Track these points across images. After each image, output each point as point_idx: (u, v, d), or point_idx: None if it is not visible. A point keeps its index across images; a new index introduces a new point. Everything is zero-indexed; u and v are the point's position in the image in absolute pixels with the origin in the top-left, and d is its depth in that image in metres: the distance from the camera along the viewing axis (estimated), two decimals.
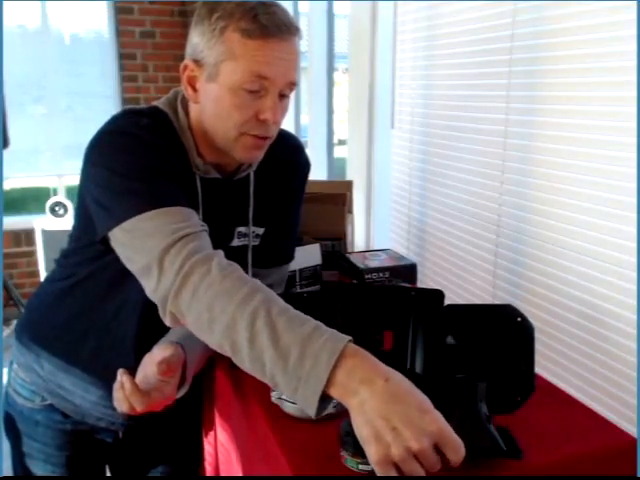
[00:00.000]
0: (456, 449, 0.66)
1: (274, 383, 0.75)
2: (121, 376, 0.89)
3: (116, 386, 0.90)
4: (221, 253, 0.86)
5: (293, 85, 0.95)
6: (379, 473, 0.65)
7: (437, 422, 0.66)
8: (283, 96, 0.95)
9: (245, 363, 0.77)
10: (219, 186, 1.05)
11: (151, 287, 0.85)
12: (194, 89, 0.96)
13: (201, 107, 0.97)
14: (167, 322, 0.85)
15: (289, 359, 0.72)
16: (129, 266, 0.89)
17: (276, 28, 0.89)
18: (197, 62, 0.94)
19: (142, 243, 0.86)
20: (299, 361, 0.71)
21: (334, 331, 0.74)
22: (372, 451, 0.65)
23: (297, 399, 0.73)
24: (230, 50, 0.90)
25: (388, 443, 0.64)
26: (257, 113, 0.93)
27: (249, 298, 0.77)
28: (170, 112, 1.01)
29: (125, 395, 0.89)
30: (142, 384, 0.91)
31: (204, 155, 1.02)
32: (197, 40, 0.93)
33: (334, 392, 0.70)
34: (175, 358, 0.94)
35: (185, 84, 0.97)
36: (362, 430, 0.66)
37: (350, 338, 0.73)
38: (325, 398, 0.71)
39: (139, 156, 0.92)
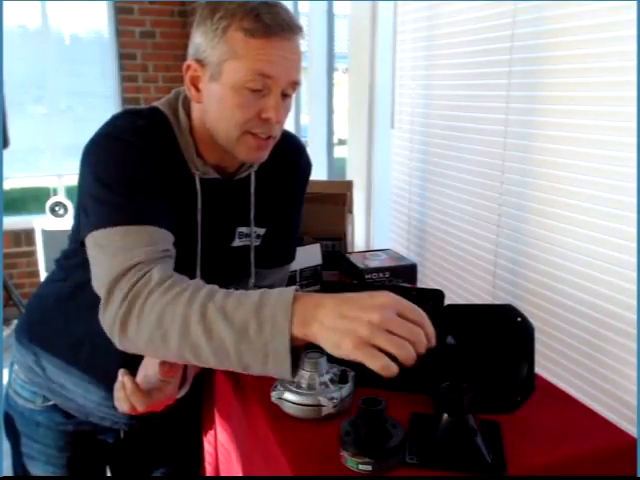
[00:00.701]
0: (413, 310, 0.71)
1: (243, 365, 0.76)
2: (122, 376, 0.89)
3: (117, 386, 0.90)
4: (167, 270, 0.86)
5: (296, 84, 0.95)
6: (364, 360, 0.68)
7: (388, 295, 0.72)
8: (286, 95, 0.95)
9: (210, 359, 0.78)
10: (219, 186, 1.05)
11: (100, 313, 0.86)
12: (197, 89, 0.96)
13: (204, 107, 0.97)
14: (119, 346, 0.86)
15: (249, 332, 0.74)
16: (92, 281, 0.90)
17: (279, 27, 0.89)
18: (200, 62, 0.94)
19: (103, 262, 0.87)
20: (259, 328, 0.73)
21: (280, 289, 0.77)
22: (345, 345, 0.69)
23: (269, 366, 0.74)
24: (233, 49, 0.90)
25: (354, 329, 0.69)
26: (260, 112, 0.93)
27: (193, 297, 0.79)
28: (169, 113, 1.01)
29: (126, 395, 0.89)
30: (143, 384, 0.91)
31: (205, 156, 1.02)
32: (200, 40, 0.93)
33: (298, 333, 0.72)
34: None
35: (188, 84, 0.97)
36: (331, 340, 0.70)
37: (296, 287, 0.77)
38: (295, 352, 0.74)
39: (127, 168, 0.92)
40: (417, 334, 0.69)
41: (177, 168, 0.99)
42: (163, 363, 0.90)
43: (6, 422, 1.19)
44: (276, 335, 0.73)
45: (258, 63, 0.89)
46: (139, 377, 0.94)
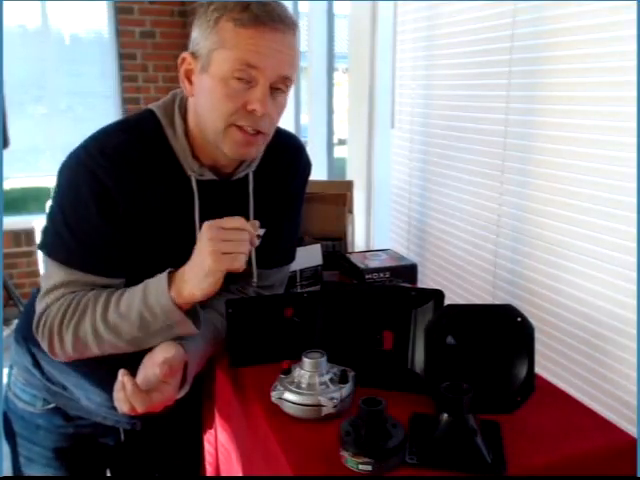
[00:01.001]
0: (230, 220, 0.92)
1: (160, 341, 0.97)
2: (122, 376, 0.89)
3: (117, 386, 0.90)
4: (75, 297, 0.99)
5: (287, 80, 0.94)
6: (226, 264, 0.91)
7: (203, 230, 0.92)
8: (277, 90, 0.94)
9: (128, 348, 0.98)
10: (217, 187, 1.05)
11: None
12: (190, 82, 0.97)
13: (195, 101, 0.98)
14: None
15: (147, 319, 0.95)
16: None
17: (269, 18, 0.89)
18: (193, 54, 0.95)
19: (43, 283, 1.01)
20: (152, 315, 0.94)
21: (156, 277, 0.95)
22: (208, 266, 0.90)
23: (178, 331, 0.96)
24: (222, 39, 0.91)
25: (205, 254, 0.90)
26: (246, 104, 0.93)
27: (94, 309, 0.96)
28: (164, 117, 1.01)
29: (126, 395, 0.89)
30: (143, 384, 0.91)
31: (201, 157, 1.02)
32: (195, 34, 0.95)
33: (180, 301, 0.94)
34: (177, 359, 0.94)
35: (182, 77, 0.98)
36: (199, 278, 0.92)
37: (169, 270, 0.95)
38: (191, 313, 0.97)
39: (88, 209, 0.97)
40: (241, 232, 0.91)
41: (171, 172, 1.00)
42: (163, 364, 0.90)
43: (5, 424, 1.19)
44: (167, 313, 0.94)
45: (246, 53, 0.90)
46: (139, 378, 0.94)
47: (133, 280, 1.00)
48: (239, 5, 0.90)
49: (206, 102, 0.95)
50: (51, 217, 1.00)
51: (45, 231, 1.01)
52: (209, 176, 1.03)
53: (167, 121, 1.01)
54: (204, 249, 0.90)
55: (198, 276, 0.91)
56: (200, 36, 0.93)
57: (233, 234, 0.90)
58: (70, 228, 0.97)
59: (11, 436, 1.19)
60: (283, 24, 0.91)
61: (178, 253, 1.00)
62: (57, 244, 0.99)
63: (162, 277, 0.94)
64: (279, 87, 0.94)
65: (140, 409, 0.89)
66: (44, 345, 1.00)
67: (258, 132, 0.96)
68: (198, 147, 1.01)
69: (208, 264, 0.89)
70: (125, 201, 0.97)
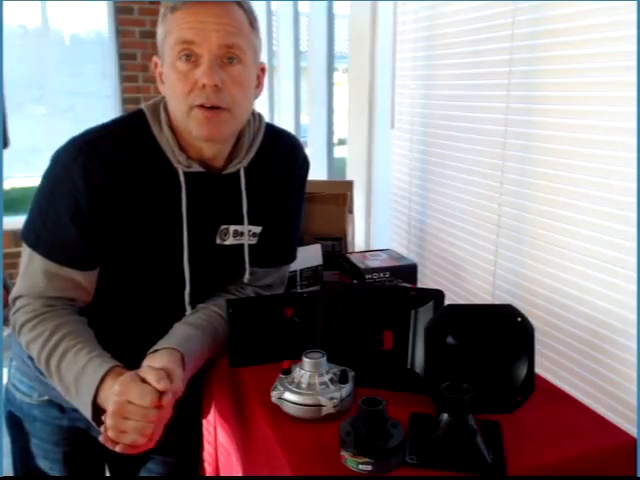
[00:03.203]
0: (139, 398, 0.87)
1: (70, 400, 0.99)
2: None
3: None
4: (42, 306, 1.02)
5: (234, 49, 0.95)
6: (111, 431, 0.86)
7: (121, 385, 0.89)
8: (229, 61, 0.96)
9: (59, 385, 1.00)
10: (206, 180, 1.05)
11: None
12: (162, 82, 1.02)
13: (165, 95, 1.02)
14: None
15: (71, 392, 0.97)
16: None
17: None
18: (159, 55, 1.01)
19: (20, 275, 1.05)
20: (77, 393, 0.96)
21: (94, 371, 0.94)
22: (108, 431, 0.86)
23: (84, 412, 0.96)
24: (167, 30, 0.96)
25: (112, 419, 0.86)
26: (197, 81, 0.95)
27: (45, 344, 0.99)
28: (150, 113, 1.04)
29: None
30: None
31: (188, 151, 1.03)
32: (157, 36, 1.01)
33: (100, 402, 0.92)
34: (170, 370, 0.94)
35: (158, 80, 1.02)
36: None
37: (109, 367, 0.94)
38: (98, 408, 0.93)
39: (61, 203, 0.99)
40: (146, 414, 0.86)
41: (156, 166, 1.01)
42: (161, 369, 0.90)
43: (10, 416, 1.20)
44: (84, 404, 0.94)
45: (181, 31, 0.93)
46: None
47: (118, 271, 1.06)
48: None
49: (168, 92, 1.00)
50: (32, 208, 1.05)
51: (26, 221, 1.06)
52: (197, 168, 1.03)
53: (153, 117, 1.03)
54: (109, 412, 0.87)
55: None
56: (158, 36, 0.99)
57: (136, 413, 0.86)
58: (45, 217, 1.02)
59: (12, 427, 1.20)
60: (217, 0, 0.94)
61: (165, 244, 1.05)
62: (34, 235, 1.04)
63: (96, 378, 0.93)
64: (229, 57, 0.95)
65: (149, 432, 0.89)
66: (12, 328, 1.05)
67: (219, 107, 0.96)
68: (184, 140, 1.03)
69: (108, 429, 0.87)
70: (112, 192, 0.99)
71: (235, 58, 0.96)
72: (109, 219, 1.01)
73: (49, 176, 1.02)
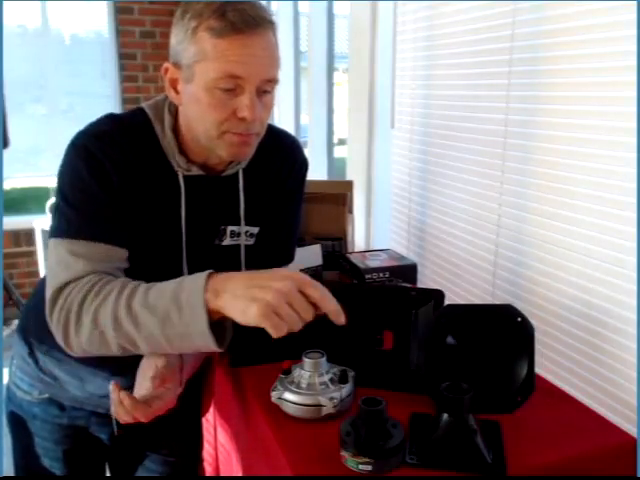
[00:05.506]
0: (315, 286, 0.80)
1: (175, 347, 0.87)
2: (117, 393, 0.88)
3: (114, 402, 0.90)
4: (101, 279, 0.93)
5: (271, 82, 0.94)
6: (265, 324, 0.77)
7: (293, 272, 0.82)
8: (264, 92, 0.94)
9: (144, 347, 0.88)
10: (205, 183, 1.05)
11: (47, 318, 0.94)
12: (176, 91, 0.97)
13: (184, 109, 0.98)
14: (67, 351, 0.95)
15: (171, 318, 0.83)
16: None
17: (245, 24, 0.88)
18: (175, 64, 0.95)
19: (51, 270, 0.95)
20: (179, 313, 0.83)
21: (196, 275, 0.85)
22: (253, 311, 0.77)
23: (196, 344, 0.84)
24: (202, 51, 0.90)
25: (262, 297, 0.77)
26: (235, 111, 0.92)
27: (120, 295, 0.88)
28: (153, 114, 1.02)
29: (127, 410, 0.88)
30: (142, 391, 0.91)
31: (191, 155, 1.03)
32: (174, 42, 0.94)
33: (213, 306, 0.81)
34: (169, 367, 0.94)
35: (168, 87, 0.98)
36: (239, 307, 0.79)
37: (210, 271, 0.84)
38: (219, 326, 0.84)
39: (84, 182, 0.96)
40: (309, 315, 0.79)
41: (158, 167, 1.01)
42: (153, 378, 0.90)
43: (10, 415, 1.20)
44: (194, 316, 0.82)
45: (227, 64, 0.89)
46: (136, 388, 0.94)
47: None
48: (215, 13, 0.88)
49: (195, 111, 0.95)
50: (55, 208, 1.00)
51: (51, 224, 0.99)
52: (197, 172, 1.03)
53: (156, 118, 1.02)
54: (268, 289, 0.78)
55: (239, 297, 0.80)
56: (179, 46, 0.93)
57: (303, 308, 0.78)
58: (70, 204, 0.96)
59: (13, 425, 1.20)
60: (260, 27, 0.90)
61: (163, 245, 1.03)
62: (63, 224, 0.96)
63: (201, 276, 0.84)
64: (265, 89, 0.94)
65: (143, 419, 0.88)
66: (58, 333, 0.92)
67: (250, 134, 0.97)
68: (187, 145, 1.02)
69: (252, 310, 0.78)
70: (119, 182, 0.98)
71: (271, 90, 0.96)
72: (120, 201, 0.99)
73: (68, 165, 0.98)
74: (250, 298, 0.78)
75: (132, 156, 0.99)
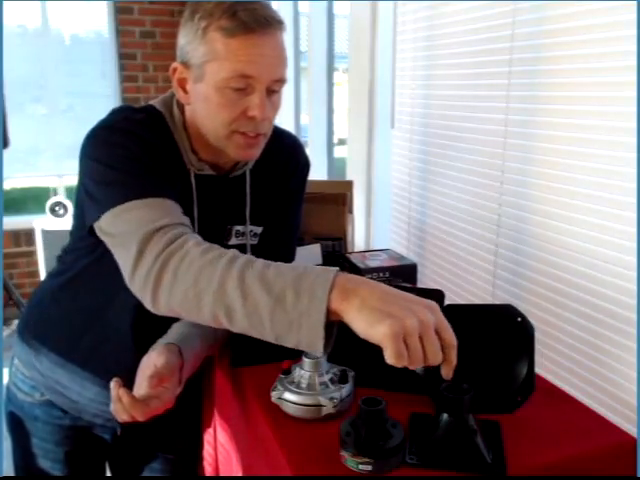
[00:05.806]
0: (448, 331, 0.71)
1: (275, 333, 0.75)
2: (117, 389, 0.87)
3: (113, 399, 0.90)
4: (198, 237, 0.85)
5: (280, 82, 0.95)
6: (389, 347, 0.67)
7: (436, 305, 0.73)
8: (273, 92, 0.95)
9: (243, 323, 0.76)
10: (214, 183, 1.06)
11: (129, 275, 0.84)
12: (185, 91, 0.97)
13: (192, 108, 0.98)
14: (152, 309, 0.84)
15: (286, 300, 0.73)
16: (115, 256, 0.88)
17: (256, 24, 0.88)
18: (184, 64, 0.95)
19: (124, 233, 0.86)
20: (296, 298, 0.72)
21: (324, 267, 0.75)
22: (384, 328, 0.67)
23: (302, 337, 0.73)
24: (213, 50, 0.90)
25: (401, 318, 0.67)
26: (245, 111, 0.93)
27: (232, 262, 0.78)
28: (165, 111, 1.02)
29: (124, 407, 0.88)
30: (141, 390, 0.91)
31: (200, 153, 1.03)
32: (183, 42, 0.94)
33: (336, 305, 0.71)
34: (167, 367, 0.94)
35: (176, 86, 0.98)
36: (368, 318, 0.69)
37: (338, 268, 0.75)
38: (330, 328, 0.72)
39: (129, 149, 0.92)
40: (437, 358, 0.70)
41: (174, 162, 1.00)
42: (151, 378, 0.90)
43: (11, 416, 1.20)
44: (312, 306, 0.71)
45: (238, 64, 0.89)
46: (136, 386, 0.93)
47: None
48: (226, 12, 0.89)
49: (204, 110, 0.96)
50: (99, 182, 0.92)
51: (99, 200, 0.91)
52: (208, 171, 1.03)
53: (168, 115, 1.02)
54: (409, 312, 0.69)
55: (371, 308, 0.70)
56: (189, 45, 0.93)
57: (434, 349, 0.69)
58: (123, 171, 0.90)
59: (13, 427, 1.20)
60: (271, 27, 0.90)
61: None
62: (120, 190, 0.88)
63: (330, 269, 0.74)
64: (274, 89, 0.95)
65: (141, 418, 0.88)
66: (148, 283, 0.81)
67: (258, 134, 0.97)
68: (196, 143, 1.02)
69: (383, 327, 0.68)
70: (155, 155, 0.96)
71: (279, 89, 0.96)
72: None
73: (102, 146, 0.94)
74: (386, 313, 0.68)
75: (159, 140, 0.98)
